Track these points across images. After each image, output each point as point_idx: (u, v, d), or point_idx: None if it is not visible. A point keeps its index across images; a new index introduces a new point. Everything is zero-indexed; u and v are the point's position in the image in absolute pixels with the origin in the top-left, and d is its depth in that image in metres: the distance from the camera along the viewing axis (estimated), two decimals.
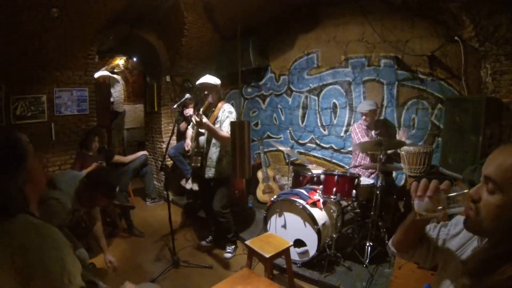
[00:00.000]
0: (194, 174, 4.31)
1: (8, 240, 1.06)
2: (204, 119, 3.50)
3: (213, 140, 3.78)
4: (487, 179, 0.95)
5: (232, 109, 3.84)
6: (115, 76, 10.20)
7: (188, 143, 4.04)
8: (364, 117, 4.30)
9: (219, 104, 3.86)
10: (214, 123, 3.71)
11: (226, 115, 3.74)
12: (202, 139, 3.83)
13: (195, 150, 3.84)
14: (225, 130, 3.64)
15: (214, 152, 3.79)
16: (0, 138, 1.16)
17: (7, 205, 1.11)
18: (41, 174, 1.28)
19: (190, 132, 4.08)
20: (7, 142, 1.16)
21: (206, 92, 3.76)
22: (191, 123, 4.06)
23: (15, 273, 1.04)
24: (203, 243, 4.29)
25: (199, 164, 3.81)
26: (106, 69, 9.54)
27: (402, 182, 4.57)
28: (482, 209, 0.96)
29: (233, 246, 4.10)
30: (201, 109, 3.64)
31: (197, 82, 3.86)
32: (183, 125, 5.47)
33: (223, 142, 3.71)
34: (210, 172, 3.80)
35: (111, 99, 10.20)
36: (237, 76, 5.59)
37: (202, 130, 3.79)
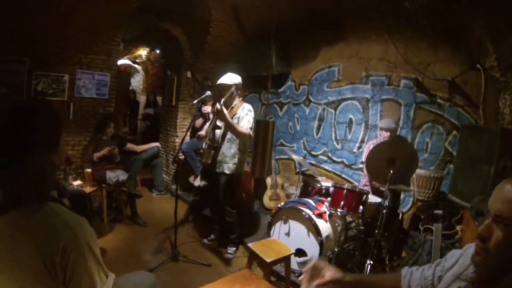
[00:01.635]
0: (203, 171, 4.35)
1: (39, 234, 1.03)
2: (224, 110, 3.55)
3: (228, 136, 3.81)
4: (498, 217, 0.93)
5: (251, 108, 3.87)
6: (136, 66, 10.32)
7: (203, 133, 4.07)
8: (388, 133, 4.22)
9: (239, 103, 3.90)
10: (231, 119, 3.74)
11: (245, 112, 3.78)
12: (218, 132, 3.86)
13: (209, 143, 3.87)
14: (244, 126, 3.68)
15: (227, 148, 3.82)
16: (48, 109, 1.14)
17: (38, 188, 1.08)
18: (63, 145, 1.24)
19: (206, 127, 4.13)
20: (54, 113, 1.15)
21: (224, 92, 3.81)
22: (208, 121, 4.10)
23: (44, 262, 1.02)
24: (205, 241, 4.30)
25: (209, 161, 3.85)
26: (129, 58, 9.66)
27: (409, 206, 4.55)
28: (493, 245, 0.94)
29: (234, 248, 4.10)
30: (222, 100, 3.69)
31: (218, 81, 3.91)
32: (199, 121, 5.52)
33: (241, 138, 3.73)
34: (221, 168, 3.83)
35: (130, 88, 10.33)
36: (257, 80, 5.59)
37: (220, 124, 3.82)
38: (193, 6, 5.13)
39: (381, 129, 4.32)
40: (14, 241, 1.02)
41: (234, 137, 3.80)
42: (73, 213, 1.15)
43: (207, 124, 4.17)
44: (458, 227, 3.33)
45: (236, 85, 3.85)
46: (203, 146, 4.01)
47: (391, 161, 3.46)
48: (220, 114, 3.56)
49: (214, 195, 3.99)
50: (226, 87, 3.81)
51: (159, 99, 9.38)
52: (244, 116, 3.74)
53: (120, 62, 9.05)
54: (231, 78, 3.84)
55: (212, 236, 4.33)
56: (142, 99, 10.57)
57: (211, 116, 3.66)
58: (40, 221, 1.05)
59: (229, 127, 3.68)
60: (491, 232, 0.95)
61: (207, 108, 5.33)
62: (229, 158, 3.82)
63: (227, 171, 3.82)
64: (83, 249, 1.08)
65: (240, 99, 4.00)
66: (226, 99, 3.73)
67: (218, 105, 3.54)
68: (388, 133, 4.24)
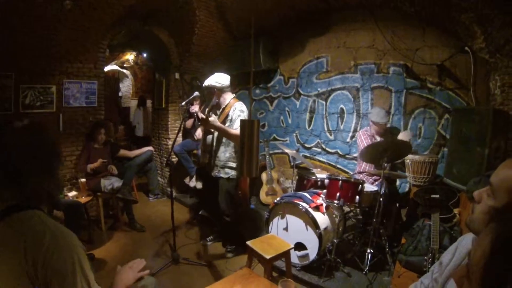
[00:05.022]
0: (198, 172, 4.32)
1: (24, 233, 1.07)
2: (211, 118, 3.50)
3: (223, 140, 3.77)
4: (490, 185, 1.04)
5: (244, 108, 3.78)
6: (124, 70, 10.24)
7: (199, 132, 4.00)
8: (377, 127, 4.26)
9: (231, 101, 3.83)
10: (224, 121, 3.70)
11: (237, 113, 3.69)
12: (210, 138, 3.83)
13: (203, 148, 3.83)
14: (237, 128, 3.58)
15: (222, 152, 3.78)
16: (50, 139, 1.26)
17: (33, 198, 1.16)
18: None
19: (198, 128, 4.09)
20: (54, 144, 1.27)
21: (213, 95, 3.77)
22: (197, 120, 4.06)
23: (27, 267, 1.04)
24: (204, 241, 4.30)
25: (207, 161, 3.82)
26: (116, 64, 9.58)
27: (406, 191, 4.55)
28: (476, 208, 1.07)
29: (233, 246, 4.09)
30: (207, 109, 3.64)
31: (205, 83, 3.86)
32: (189, 122, 5.50)
33: (234, 140, 3.67)
34: (217, 171, 3.80)
35: (120, 94, 10.25)
36: (246, 77, 5.57)
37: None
38: (177, 8, 5.08)
39: (375, 123, 4.28)
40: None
41: (228, 140, 3.75)
42: (58, 223, 1.19)
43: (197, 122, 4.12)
44: (455, 210, 3.33)
45: (222, 86, 3.78)
46: (197, 149, 3.97)
47: (384, 150, 3.49)
48: (205, 123, 3.52)
49: (211, 196, 3.97)
50: (212, 88, 3.78)
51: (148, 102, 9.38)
52: (237, 118, 3.65)
53: (108, 68, 8.98)
54: (216, 79, 3.77)
55: (211, 237, 4.33)
56: (133, 103, 10.48)
57: (200, 114, 3.61)
58: (25, 226, 1.10)
59: (220, 132, 3.65)
60: (482, 196, 1.07)
61: (195, 108, 5.31)
62: (224, 162, 3.77)
63: (223, 175, 3.79)
64: (65, 254, 1.11)
65: (233, 96, 3.91)
66: (210, 110, 3.68)
67: (201, 114, 3.49)
68: (378, 128, 4.26)
